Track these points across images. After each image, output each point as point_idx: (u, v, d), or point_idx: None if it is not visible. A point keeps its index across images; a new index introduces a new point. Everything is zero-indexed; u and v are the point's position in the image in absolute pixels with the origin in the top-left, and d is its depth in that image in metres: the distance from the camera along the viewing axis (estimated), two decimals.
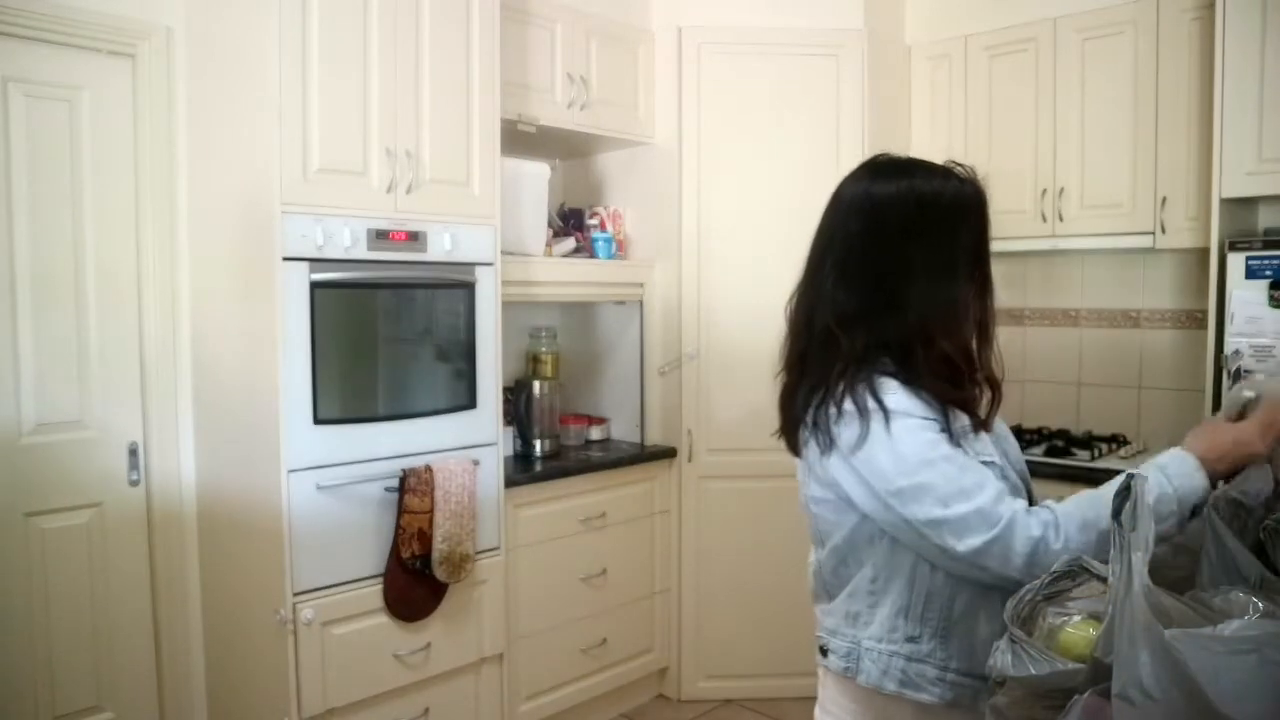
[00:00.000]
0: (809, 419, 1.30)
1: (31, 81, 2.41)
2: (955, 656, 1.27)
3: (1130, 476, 0.96)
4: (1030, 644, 0.98)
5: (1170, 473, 1.17)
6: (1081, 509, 1.20)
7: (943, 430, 1.26)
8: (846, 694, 1.34)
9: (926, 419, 1.25)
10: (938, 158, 1.46)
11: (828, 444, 1.28)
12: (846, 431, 1.26)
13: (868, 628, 1.31)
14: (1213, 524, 1.05)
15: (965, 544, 1.19)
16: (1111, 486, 1.12)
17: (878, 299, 1.28)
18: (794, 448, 1.37)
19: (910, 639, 1.28)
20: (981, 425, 1.30)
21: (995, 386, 1.33)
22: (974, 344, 1.32)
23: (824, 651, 1.38)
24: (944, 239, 1.29)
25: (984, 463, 1.27)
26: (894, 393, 1.25)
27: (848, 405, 1.25)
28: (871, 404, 1.24)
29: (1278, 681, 0.81)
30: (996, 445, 1.35)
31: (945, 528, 1.20)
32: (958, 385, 1.28)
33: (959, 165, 1.36)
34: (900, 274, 1.27)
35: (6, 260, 2.38)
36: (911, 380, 1.26)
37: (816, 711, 1.44)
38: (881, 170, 1.34)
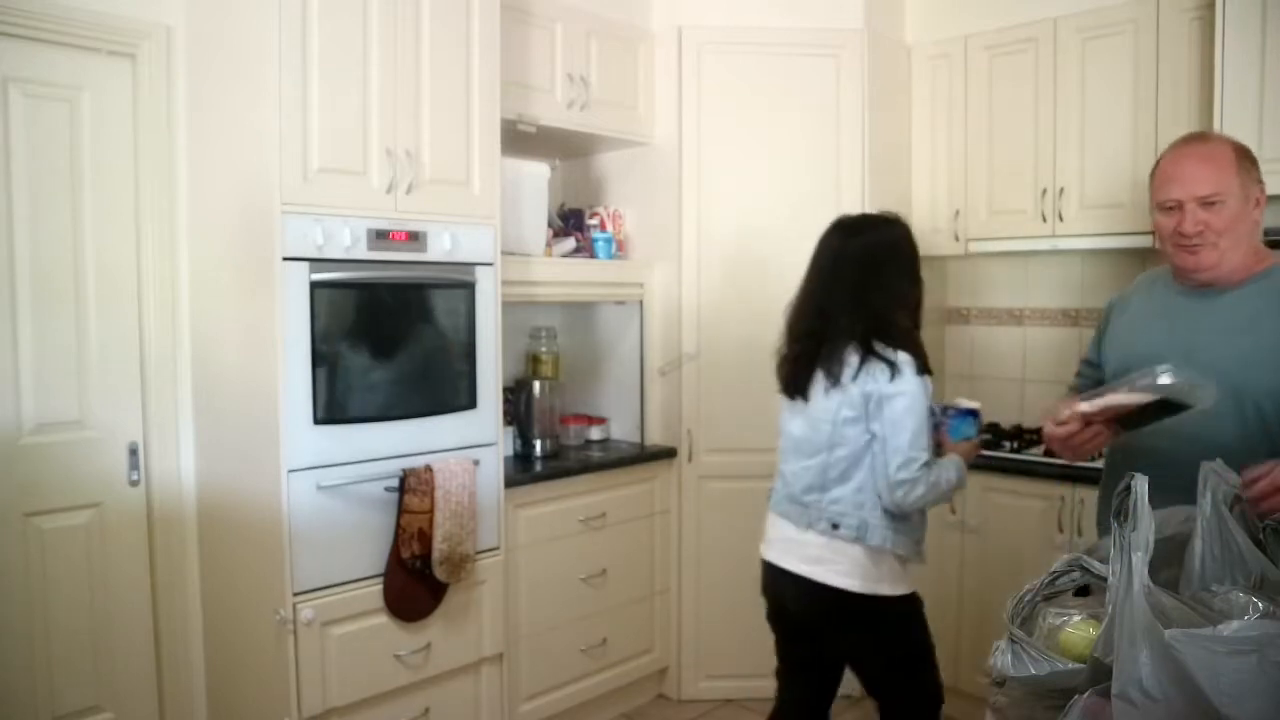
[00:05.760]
0: (836, 368, 2.10)
1: (31, 81, 2.40)
2: (917, 529, 2.16)
3: (1131, 477, 0.96)
4: (1030, 644, 0.98)
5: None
6: (940, 470, 2.09)
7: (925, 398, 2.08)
8: (850, 550, 2.10)
9: (924, 385, 2.07)
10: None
11: (854, 379, 2.08)
12: (880, 373, 2.06)
13: (874, 512, 2.10)
14: (1223, 520, 1.05)
15: (899, 474, 2.04)
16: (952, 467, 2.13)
17: (858, 299, 2.13)
18: (797, 390, 2.20)
19: (901, 519, 2.11)
20: (927, 370, 2.10)
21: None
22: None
23: (835, 526, 2.11)
24: (889, 265, 2.16)
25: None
26: (908, 360, 2.06)
27: (879, 358, 2.06)
28: (899, 359, 2.06)
29: (1278, 682, 0.81)
30: None
31: (899, 458, 2.03)
32: (915, 344, 2.11)
33: (890, 214, 2.25)
34: (868, 285, 2.13)
35: (6, 260, 2.38)
36: (899, 344, 2.08)
37: (815, 570, 2.13)
38: (843, 228, 2.23)
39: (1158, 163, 1.84)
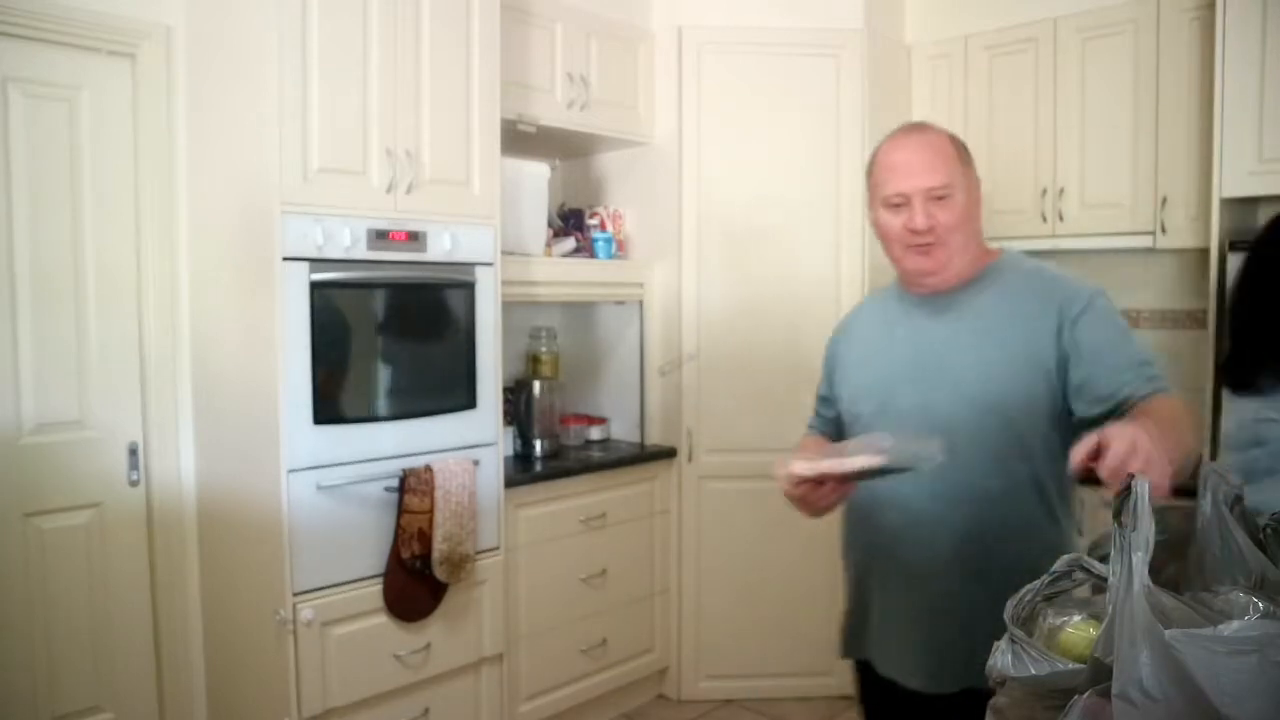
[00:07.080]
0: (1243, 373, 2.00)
1: (31, 81, 2.40)
2: None
3: (1132, 477, 0.96)
4: (1030, 644, 0.97)
5: None
6: None
7: None
8: None
9: None
10: None
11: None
12: None
13: None
14: (1223, 520, 1.04)
15: None
16: None
17: (1259, 306, 2.02)
18: (1247, 387, 2.01)
19: None
20: None
21: None
22: None
23: None
24: None
25: None
26: None
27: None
28: None
29: (1278, 681, 0.81)
30: None
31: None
32: None
33: None
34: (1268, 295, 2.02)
35: (6, 260, 2.38)
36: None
37: None
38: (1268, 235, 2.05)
39: (874, 158, 1.66)
